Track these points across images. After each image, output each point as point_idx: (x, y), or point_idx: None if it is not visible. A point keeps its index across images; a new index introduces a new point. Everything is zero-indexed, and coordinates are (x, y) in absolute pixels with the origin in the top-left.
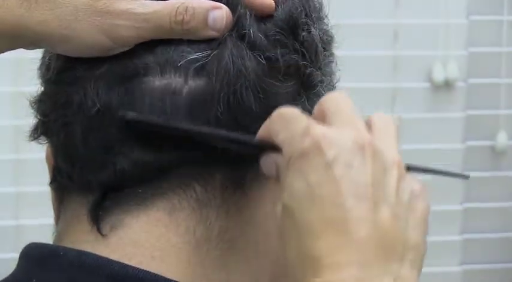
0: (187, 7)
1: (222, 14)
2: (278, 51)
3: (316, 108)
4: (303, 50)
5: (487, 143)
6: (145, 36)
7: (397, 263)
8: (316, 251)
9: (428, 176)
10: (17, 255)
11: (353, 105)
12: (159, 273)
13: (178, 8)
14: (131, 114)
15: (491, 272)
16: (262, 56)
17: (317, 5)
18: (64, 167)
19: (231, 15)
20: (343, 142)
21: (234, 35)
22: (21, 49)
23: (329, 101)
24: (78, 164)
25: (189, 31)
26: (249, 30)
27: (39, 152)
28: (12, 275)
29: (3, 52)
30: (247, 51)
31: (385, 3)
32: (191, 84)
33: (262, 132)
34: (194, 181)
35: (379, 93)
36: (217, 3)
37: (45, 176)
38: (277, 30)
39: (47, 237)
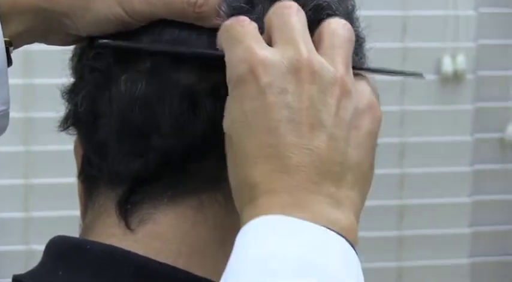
0: None
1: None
2: None
3: (265, 21)
4: None
5: (496, 135)
6: (157, 13)
7: (333, 185)
8: (252, 178)
9: (435, 169)
10: None
11: (301, 16)
12: (186, 269)
13: None
14: (102, 41)
15: (500, 265)
16: None
17: (350, 7)
18: (94, 158)
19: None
20: (278, 66)
21: None
22: None
23: (274, 14)
24: (110, 154)
25: (200, 16)
26: None
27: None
28: (38, 267)
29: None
30: None
31: None
32: None
33: (218, 46)
34: (222, 174)
35: (387, 85)
36: None
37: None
38: None
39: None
